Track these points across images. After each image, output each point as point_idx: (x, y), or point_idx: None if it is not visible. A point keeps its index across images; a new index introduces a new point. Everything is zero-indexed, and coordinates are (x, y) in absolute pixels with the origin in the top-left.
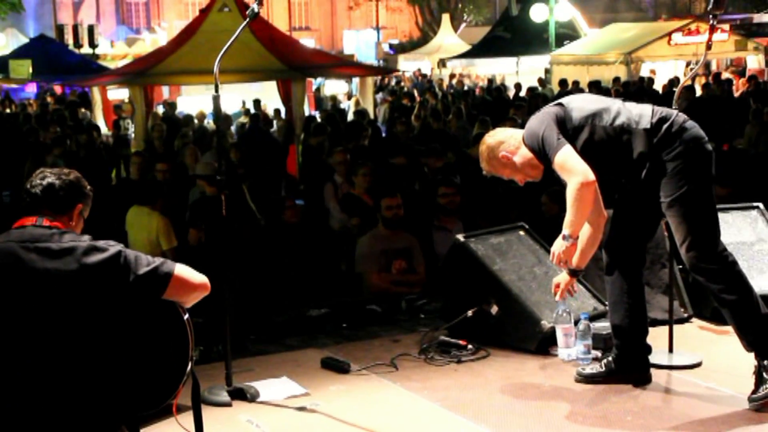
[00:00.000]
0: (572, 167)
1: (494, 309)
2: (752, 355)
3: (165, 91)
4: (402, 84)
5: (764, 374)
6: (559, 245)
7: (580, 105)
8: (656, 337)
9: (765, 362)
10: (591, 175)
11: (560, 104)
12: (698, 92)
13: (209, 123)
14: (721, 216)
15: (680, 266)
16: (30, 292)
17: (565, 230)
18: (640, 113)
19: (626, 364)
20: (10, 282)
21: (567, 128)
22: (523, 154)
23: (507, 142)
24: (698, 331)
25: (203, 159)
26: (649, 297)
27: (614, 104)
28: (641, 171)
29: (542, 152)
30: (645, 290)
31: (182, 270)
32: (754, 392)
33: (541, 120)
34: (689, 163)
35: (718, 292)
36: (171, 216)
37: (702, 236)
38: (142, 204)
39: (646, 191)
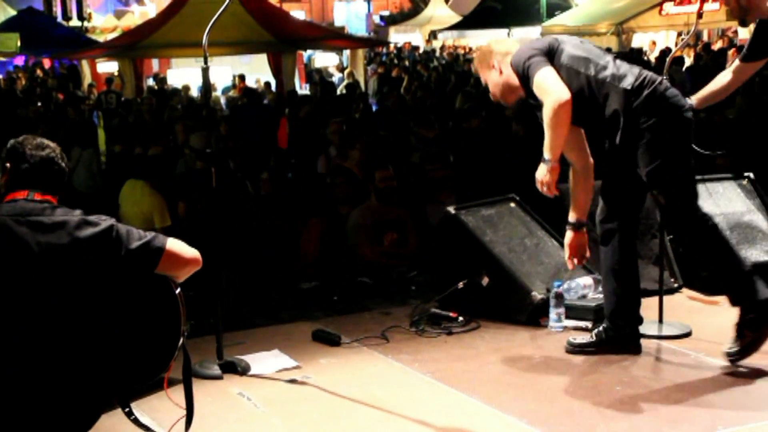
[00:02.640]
0: (548, 87)
1: (485, 281)
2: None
3: (155, 64)
4: (390, 55)
5: (741, 329)
6: (540, 171)
7: (572, 49)
8: (646, 307)
9: (746, 316)
10: (566, 95)
11: (555, 38)
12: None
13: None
14: (711, 186)
15: (670, 237)
16: (22, 265)
17: (545, 153)
18: (626, 72)
19: (617, 334)
20: (1, 255)
21: (554, 64)
22: (508, 74)
23: (508, 56)
24: (688, 301)
25: (198, 132)
26: (640, 267)
27: (604, 58)
28: (616, 132)
29: (525, 74)
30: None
31: (174, 244)
32: (730, 347)
33: (532, 45)
34: (666, 132)
35: (696, 253)
36: (163, 192)
37: (679, 203)
38: (138, 178)
39: (627, 157)
